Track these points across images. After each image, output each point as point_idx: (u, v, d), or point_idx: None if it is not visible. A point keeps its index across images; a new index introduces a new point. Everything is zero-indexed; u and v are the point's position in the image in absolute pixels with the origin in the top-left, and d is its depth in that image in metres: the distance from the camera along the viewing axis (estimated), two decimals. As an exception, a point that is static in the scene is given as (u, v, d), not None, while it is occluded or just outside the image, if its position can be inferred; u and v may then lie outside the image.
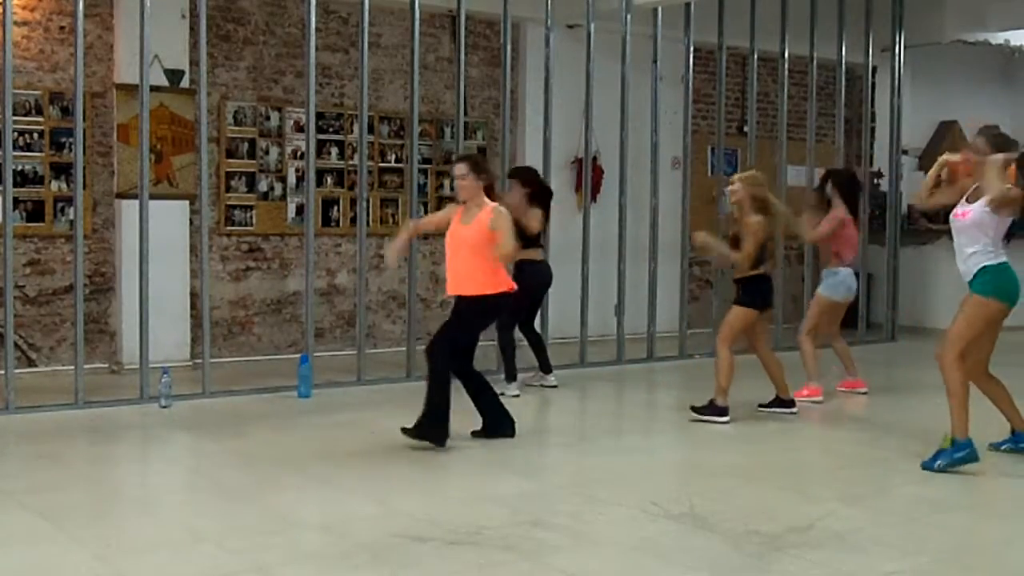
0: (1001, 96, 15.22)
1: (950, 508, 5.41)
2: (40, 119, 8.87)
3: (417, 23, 9.04)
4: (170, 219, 8.91)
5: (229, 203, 9.80)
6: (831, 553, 4.59)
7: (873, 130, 13.12)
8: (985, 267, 6.21)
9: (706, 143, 12.26)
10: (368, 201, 9.54)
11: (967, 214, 6.41)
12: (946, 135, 14.42)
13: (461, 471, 6.03)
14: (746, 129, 11.58)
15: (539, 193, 8.53)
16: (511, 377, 8.26)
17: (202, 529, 4.91)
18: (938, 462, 5.98)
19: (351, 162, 10.17)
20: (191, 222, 9.16)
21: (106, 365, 9.10)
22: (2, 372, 7.48)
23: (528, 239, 8.15)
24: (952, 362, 6.12)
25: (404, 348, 9.15)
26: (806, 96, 11.65)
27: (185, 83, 9.15)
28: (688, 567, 4.44)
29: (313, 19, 8.56)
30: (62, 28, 8.87)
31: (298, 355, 8.48)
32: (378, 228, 10.44)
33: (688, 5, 10.59)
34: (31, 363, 8.87)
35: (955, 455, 5.97)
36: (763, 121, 12.35)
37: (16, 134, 8.27)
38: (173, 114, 9.12)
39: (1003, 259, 6.22)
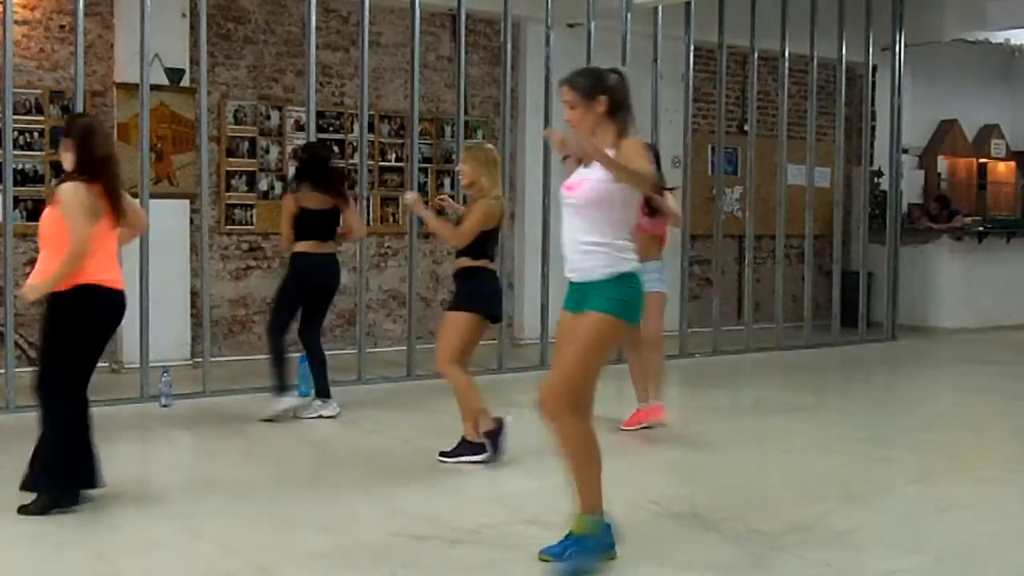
0: (1001, 95, 15.24)
1: (950, 507, 5.40)
2: (40, 118, 8.88)
3: (417, 22, 9.04)
4: (170, 218, 8.91)
5: (229, 202, 9.80)
6: (832, 552, 4.59)
7: (873, 129, 13.13)
8: (624, 274, 4.27)
9: (706, 142, 12.26)
10: (368, 200, 9.54)
11: (580, 186, 4.33)
12: (946, 134, 14.45)
13: (461, 470, 6.02)
14: (746, 128, 11.57)
15: (316, 172, 7.28)
16: (281, 390, 7.18)
17: (202, 528, 4.91)
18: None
19: (351, 161, 10.17)
20: (191, 221, 9.16)
21: (106, 364, 9.08)
22: (2, 371, 7.49)
23: (312, 227, 7.20)
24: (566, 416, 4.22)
25: (404, 347, 9.15)
26: (806, 95, 11.65)
27: (185, 82, 9.15)
28: (689, 566, 4.44)
29: (313, 18, 8.56)
30: (62, 27, 8.87)
31: (298, 354, 8.47)
32: (378, 227, 10.44)
33: (688, 4, 10.59)
34: (31, 362, 8.86)
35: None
36: (763, 120, 12.34)
37: (16, 133, 8.28)
38: (173, 113, 9.12)
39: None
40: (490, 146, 6.52)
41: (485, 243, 6.10)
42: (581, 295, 4.28)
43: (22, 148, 8.69)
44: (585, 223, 4.24)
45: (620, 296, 4.21)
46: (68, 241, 5.02)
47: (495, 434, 6.08)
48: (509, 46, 9.62)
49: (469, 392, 6.08)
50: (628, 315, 4.26)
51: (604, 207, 4.24)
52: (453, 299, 6.25)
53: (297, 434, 7.00)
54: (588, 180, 4.26)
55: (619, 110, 4.48)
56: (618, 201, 4.26)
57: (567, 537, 4.28)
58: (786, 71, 11.28)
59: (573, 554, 4.20)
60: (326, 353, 7.52)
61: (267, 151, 9.97)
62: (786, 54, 11.22)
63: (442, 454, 6.09)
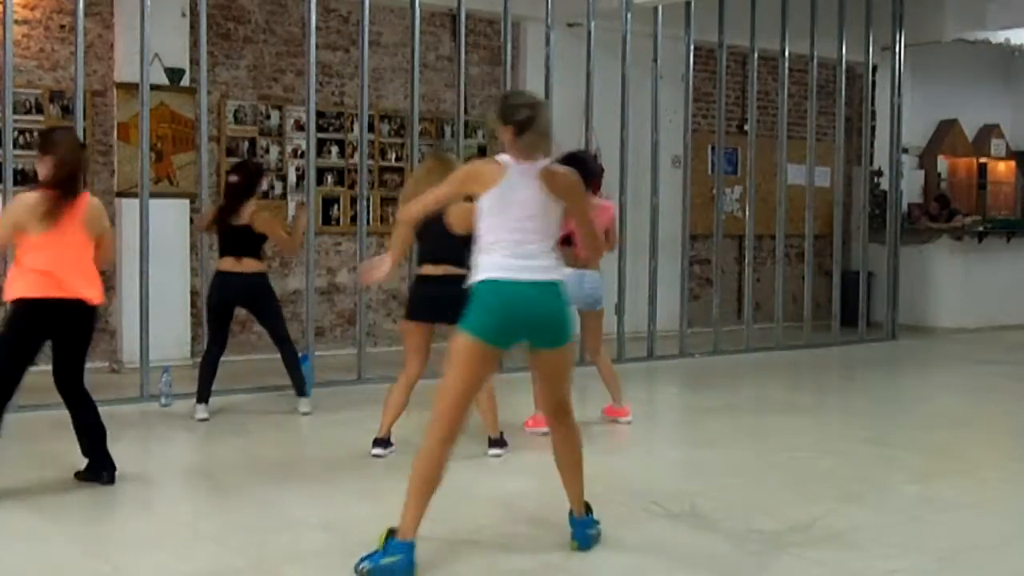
0: (1001, 95, 15.24)
1: (951, 507, 5.40)
2: (40, 118, 8.87)
3: (417, 21, 9.04)
4: (170, 218, 8.91)
5: (229, 202, 9.78)
6: (832, 552, 4.59)
7: (873, 129, 13.13)
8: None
9: (706, 142, 12.25)
10: (368, 200, 9.54)
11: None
12: (946, 134, 14.45)
13: (461, 470, 6.01)
14: (746, 128, 11.57)
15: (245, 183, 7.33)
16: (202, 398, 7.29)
17: (202, 527, 4.92)
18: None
19: (351, 161, 10.17)
20: (191, 221, 9.16)
21: (106, 364, 9.09)
22: (2, 371, 7.47)
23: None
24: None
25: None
26: (806, 95, 11.65)
27: (185, 82, 9.15)
28: (689, 566, 4.44)
29: (313, 18, 8.55)
30: (62, 27, 8.87)
31: (298, 354, 8.47)
32: (378, 227, 10.43)
33: (688, 4, 10.59)
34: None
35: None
36: (763, 120, 12.34)
37: (16, 133, 8.27)
38: (173, 113, 9.12)
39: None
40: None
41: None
42: None
43: (22, 148, 8.68)
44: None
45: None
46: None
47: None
48: (509, 46, 9.62)
49: None
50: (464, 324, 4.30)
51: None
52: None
53: (297, 434, 7.00)
54: None
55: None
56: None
57: None
58: (786, 71, 11.28)
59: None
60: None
61: (267, 151, 9.97)
62: (786, 54, 11.22)
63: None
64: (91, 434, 5.47)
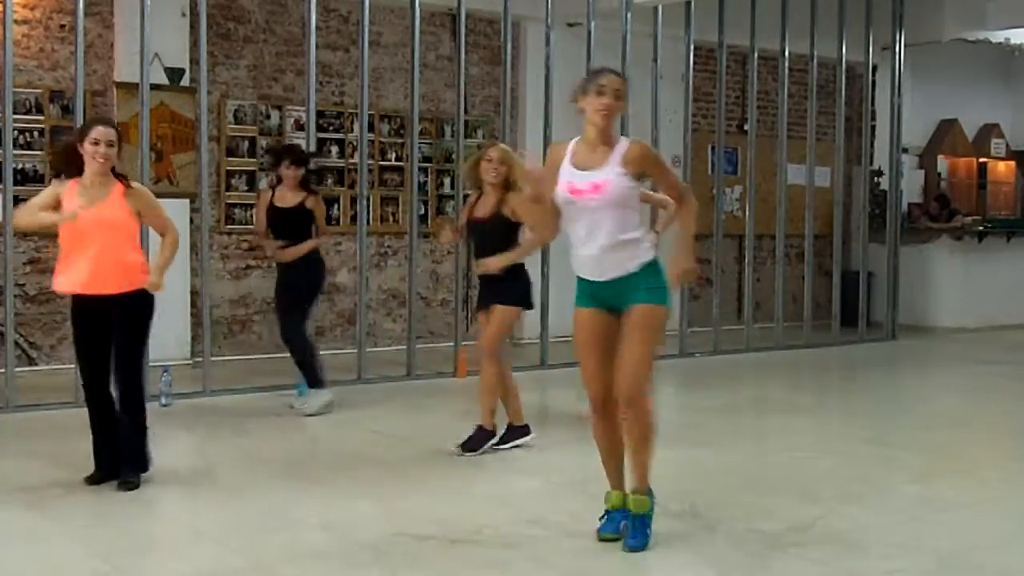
0: (1001, 95, 15.24)
1: (951, 507, 5.40)
2: (40, 117, 8.87)
3: (417, 21, 9.04)
4: (170, 217, 8.89)
5: (229, 201, 9.80)
6: (832, 552, 4.59)
7: (873, 128, 13.13)
8: (653, 261, 4.56)
9: (706, 141, 12.26)
10: (368, 200, 9.54)
11: (602, 187, 4.44)
12: (946, 134, 14.45)
13: (462, 470, 6.02)
14: (746, 127, 11.57)
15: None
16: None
17: (203, 527, 4.91)
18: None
19: (351, 160, 10.17)
20: (191, 221, 9.15)
21: (106, 364, 9.09)
22: (2, 370, 7.48)
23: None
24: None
25: (404, 347, 9.15)
26: (806, 95, 11.65)
27: (185, 81, 9.15)
28: (689, 566, 4.44)
29: (313, 17, 8.55)
30: (62, 26, 8.87)
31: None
32: (378, 227, 10.44)
33: (688, 4, 10.59)
34: (31, 361, 8.87)
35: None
36: (763, 119, 12.34)
37: (16, 132, 8.27)
38: (173, 112, 9.12)
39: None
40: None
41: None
42: (614, 291, 4.47)
43: (22, 148, 8.68)
44: (615, 221, 4.43)
45: (660, 284, 4.52)
46: None
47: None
48: (509, 46, 9.62)
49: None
50: (667, 299, 4.57)
51: (629, 203, 4.49)
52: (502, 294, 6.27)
53: (297, 434, 7.00)
54: (607, 180, 4.41)
55: None
56: (635, 197, 4.54)
57: (621, 514, 4.63)
58: (786, 71, 11.28)
59: (641, 530, 4.55)
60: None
61: (267, 151, 9.96)
62: (786, 54, 11.22)
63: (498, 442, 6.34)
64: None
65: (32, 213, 5.32)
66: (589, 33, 9.82)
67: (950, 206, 13.94)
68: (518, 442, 6.42)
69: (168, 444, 6.87)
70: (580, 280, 4.56)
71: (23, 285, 8.79)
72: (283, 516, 5.09)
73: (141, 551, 4.57)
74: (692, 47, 10.74)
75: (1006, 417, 8.18)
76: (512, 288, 6.26)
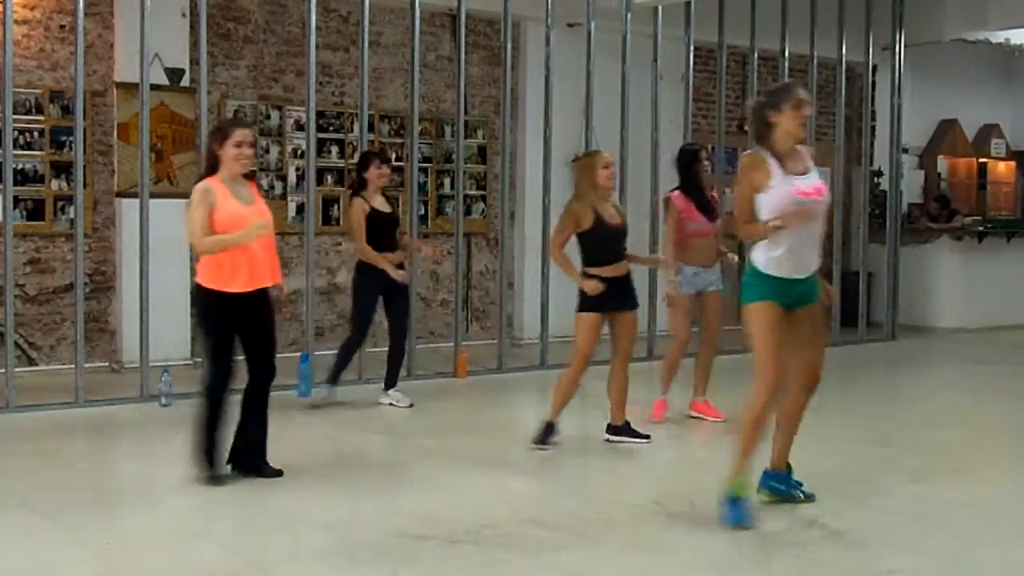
0: (1001, 95, 15.24)
1: (951, 507, 5.40)
2: (40, 118, 8.87)
3: (417, 22, 9.05)
4: (170, 218, 8.83)
5: (229, 202, 9.78)
6: (832, 551, 4.59)
7: (873, 129, 13.12)
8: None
9: (706, 142, 12.20)
10: (368, 200, 9.51)
11: (823, 190, 5.03)
12: (946, 134, 14.45)
13: (462, 469, 6.02)
14: (746, 128, 11.54)
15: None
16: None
17: (203, 527, 4.92)
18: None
19: (351, 161, 10.16)
20: (191, 221, 9.15)
21: (106, 364, 9.10)
22: (2, 371, 7.49)
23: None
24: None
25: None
26: (806, 95, 11.63)
27: (185, 82, 9.15)
28: (689, 565, 4.44)
29: (314, 18, 8.56)
30: (62, 27, 8.87)
31: (298, 354, 8.47)
32: (378, 227, 10.42)
33: (688, 4, 10.59)
34: (31, 362, 8.87)
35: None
36: (763, 120, 12.31)
37: (16, 133, 8.27)
38: (173, 113, 9.12)
39: None
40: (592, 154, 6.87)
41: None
42: (804, 287, 5.04)
43: (22, 148, 8.68)
44: (820, 223, 4.95)
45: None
46: None
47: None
48: (509, 46, 9.62)
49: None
50: None
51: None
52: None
53: (298, 433, 6.99)
54: (823, 185, 4.97)
55: None
56: None
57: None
58: (786, 71, 11.28)
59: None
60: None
61: (267, 151, 9.97)
62: (786, 54, 11.22)
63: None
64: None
65: (220, 242, 5.57)
66: (589, 33, 9.82)
67: (950, 206, 13.94)
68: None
69: (168, 444, 6.87)
70: (771, 279, 5.02)
71: (23, 285, 8.79)
72: (283, 515, 5.09)
73: (142, 549, 4.57)
74: (692, 47, 10.74)
75: (1006, 417, 8.18)
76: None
